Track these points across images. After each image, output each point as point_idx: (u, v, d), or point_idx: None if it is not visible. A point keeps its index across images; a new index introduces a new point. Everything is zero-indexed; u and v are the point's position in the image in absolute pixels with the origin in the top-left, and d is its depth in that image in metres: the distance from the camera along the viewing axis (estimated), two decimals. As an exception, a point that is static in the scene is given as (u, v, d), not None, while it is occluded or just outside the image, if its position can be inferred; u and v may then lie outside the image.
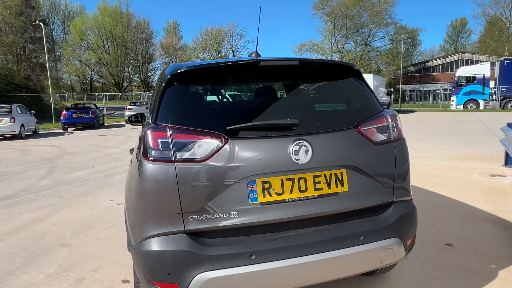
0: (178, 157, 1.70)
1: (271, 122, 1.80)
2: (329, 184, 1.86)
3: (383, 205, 2.01)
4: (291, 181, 1.80)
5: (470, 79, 25.79)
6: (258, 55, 2.21)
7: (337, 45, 46.61)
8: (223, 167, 1.71)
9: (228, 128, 1.75)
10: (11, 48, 35.86)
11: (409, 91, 44.02)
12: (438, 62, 45.97)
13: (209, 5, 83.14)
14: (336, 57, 46.84)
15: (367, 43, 46.06)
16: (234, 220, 1.72)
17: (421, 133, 12.10)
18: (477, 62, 43.48)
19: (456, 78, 26.70)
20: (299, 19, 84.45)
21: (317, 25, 63.27)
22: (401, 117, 2.22)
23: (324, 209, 1.84)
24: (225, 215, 1.72)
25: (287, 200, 1.79)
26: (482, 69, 25.74)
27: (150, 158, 1.72)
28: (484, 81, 25.31)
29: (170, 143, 1.71)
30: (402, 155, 2.07)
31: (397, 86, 37.15)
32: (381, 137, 2.01)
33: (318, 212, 1.84)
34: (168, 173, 1.68)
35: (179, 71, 1.91)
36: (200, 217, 1.71)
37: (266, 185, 1.77)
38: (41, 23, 24.75)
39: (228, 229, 1.74)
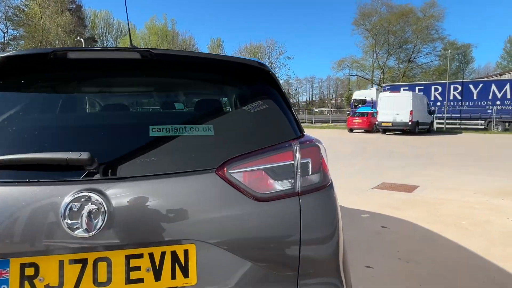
0: None
1: (34, 157, 1.02)
2: (157, 272, 1.03)
3: None
4: (80, 265, 1.00)
5: (362, 102, 30.31)
6: (133, 47, 1.45)
7: (378, 62, 44.73)
8: None
9: None
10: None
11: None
12: (493, 79, 42.19)
13: (250, 22, 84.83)
14: (377, 74, 44.95)
15: (411, 59, 43.74)
16: None
17: (461, 158, 10.52)
18: (538, 80, 39.32)
19: (352, 101, 31.91)
20: (338, 35, 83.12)
21: (357, 41, 61.37)
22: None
23: None
24: None
25: None
26: (371, 93, 30.51)
27: None
28: (372, 104, 29.26)
29: None
30: (320, 217, 1.19)
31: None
32: (276, 186, 1.15)
33: None
34: None
35: None
36: None
37: (29, 271, 0.98)
38: (81, 39, 26.11)
39: None
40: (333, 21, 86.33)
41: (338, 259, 1.26)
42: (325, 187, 1.25)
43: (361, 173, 7.76)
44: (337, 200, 1.30)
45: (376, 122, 22.21)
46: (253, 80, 1.35)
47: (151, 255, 1.03)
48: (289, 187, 1.16)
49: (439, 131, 25.14)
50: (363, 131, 23.88)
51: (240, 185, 1.10)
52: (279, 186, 1.15)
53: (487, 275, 2.89)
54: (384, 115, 21.24)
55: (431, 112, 24.46)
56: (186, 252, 1.05)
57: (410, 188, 6.10)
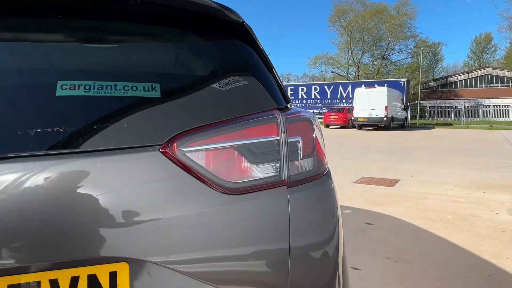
0: None
1: None
2: None
3: None
4: None
5: None
6: None
7: (353, 59, 45.31)
8: None
9: None
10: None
11: (430, 106, 41.85)
12: (461, 77, 43.76)
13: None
14: (352, 71, 45.56)
15: (385, 56, 44.61)
16: None
17: (436, 152, 10.59)
18: (502, 78, 41.22)
19: None
20: (315, 32, 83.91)
21: (333, 38, 61.98)
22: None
23: None
24: None
25: None
26: None
27: None
28: None
29: None
30: (315, 218, 0.84)
31: (416, 101, 35.31)
32: (253, 172, 0.80)
33: None
34: None
35: None
36: None
37: None
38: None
39: None
40: (309, 17, 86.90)
41: (338, 274, 0.92)
42: (320, 177, 0.91)
43: (339, 167, 7.56)
44: (336, 194, 0.96)
45: (352, 118, 22.34)
46: (218, 31, 0.98)
47: (53, 284, 0.64)
48: (273, 174, 0.81)
49: (412, 127, 25.73)
50: (339, 126, 24.00)
51: (199, 170, 0.74)
52: (259, 172, 0.80)
53: (481, 274, 2.67)
54: (360, 111, 21.37)
55: (405, 108, 24.90)
56: (113, 276, 0.67)
57: (391, 182, 5.93)
